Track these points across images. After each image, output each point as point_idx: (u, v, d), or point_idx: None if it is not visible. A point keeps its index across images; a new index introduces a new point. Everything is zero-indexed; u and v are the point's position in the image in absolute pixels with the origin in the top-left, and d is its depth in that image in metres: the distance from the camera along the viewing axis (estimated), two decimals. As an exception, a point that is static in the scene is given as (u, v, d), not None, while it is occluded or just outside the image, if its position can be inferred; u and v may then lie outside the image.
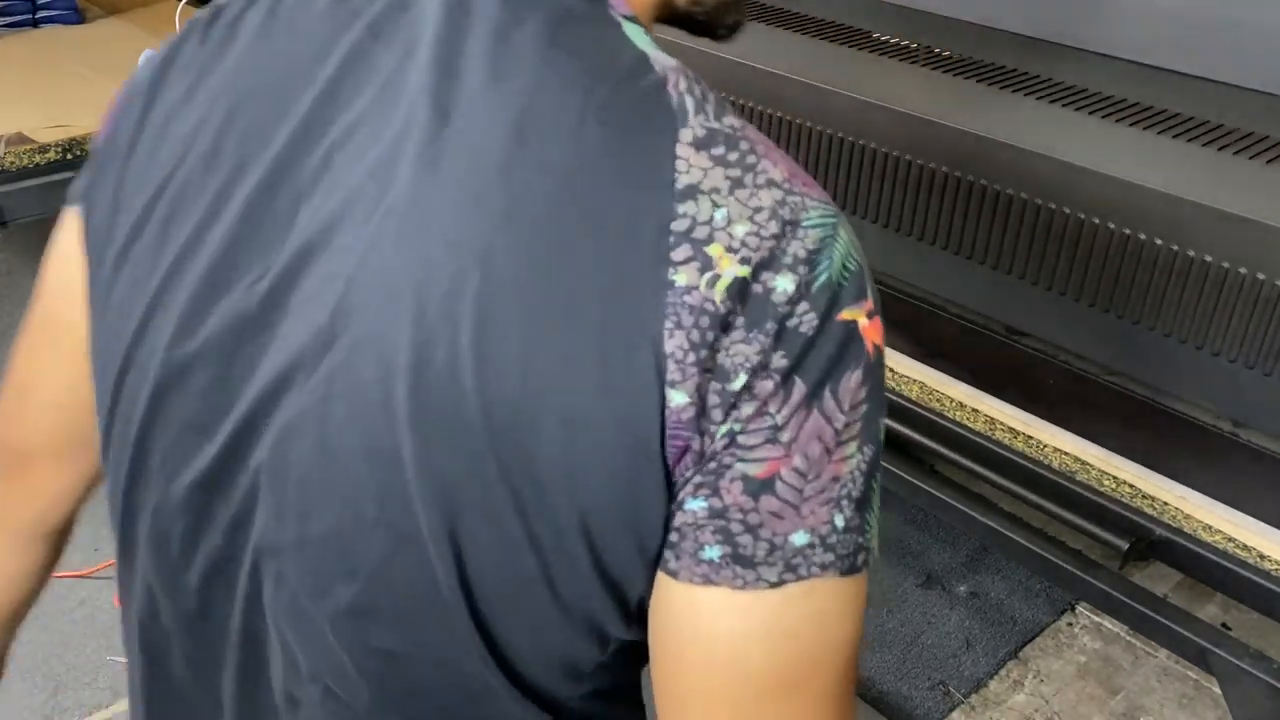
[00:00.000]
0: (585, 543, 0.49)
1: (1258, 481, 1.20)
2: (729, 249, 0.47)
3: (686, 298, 0.47)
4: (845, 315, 0.49)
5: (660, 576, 0.50)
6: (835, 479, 0.51)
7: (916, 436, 1.51)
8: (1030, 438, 1.41)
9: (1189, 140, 1.25)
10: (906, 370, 1.52)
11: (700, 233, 0.47)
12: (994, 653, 2.08)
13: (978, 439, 1.46)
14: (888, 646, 2.08)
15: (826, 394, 0.49)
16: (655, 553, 0.50)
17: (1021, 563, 1.78)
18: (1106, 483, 1.35)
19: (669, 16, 0.62)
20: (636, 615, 0.52)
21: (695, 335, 0.47)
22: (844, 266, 0.50)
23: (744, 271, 0.47)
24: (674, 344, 0.47)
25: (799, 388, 0.48)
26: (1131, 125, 1.29)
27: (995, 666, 2.05)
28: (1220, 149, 1.22)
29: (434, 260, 0.48)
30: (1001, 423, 1.43)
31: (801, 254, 0.48)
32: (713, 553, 0.49)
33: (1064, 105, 1.34)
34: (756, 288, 0.47)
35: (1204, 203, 1.11)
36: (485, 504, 0.49)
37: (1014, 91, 1.39)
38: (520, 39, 0.50)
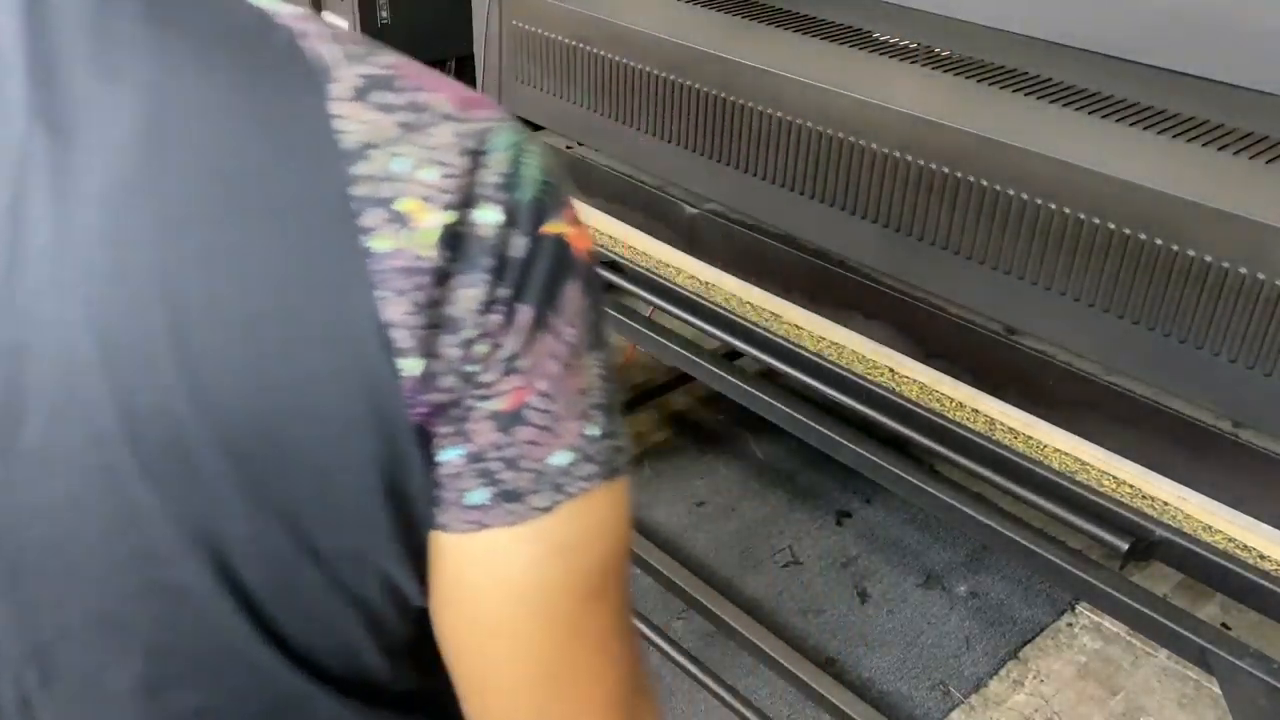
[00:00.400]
0: (360, 534, 0.48)
1: (1258, 481, 1.20)
2: (424, 199, 0.45)
3: (392, 262, 0.44)
4: (552, 229, 0.49)
5: (434, 536, 0.49)
6: (581, 391, 0.50)
7: (916, 436, 1.51)
8: (1030, 438, 1.41)
9: (1189, 140, 1.24)
10: (906, 370, 1.52)
11: (385, 190, 0.45)
12: (994, 653, 2.08)
13: (978, 439, 1.46)
14: (888, 646, 2.08)
15: (552, 312, 0.48)
16: (431, 518, 0.49)
17: (1021, 563, 1.78)
18: (1106, 483, 1.35)
19: None
20: None
21: (417, 296, 0.45)
22: (541, 181, 0.49)
23: (448, 217, 0.45)
24: (395, 312, 0.45)
25: (525, 313, 0.47)
26: (1131, 125, 1.29)
27: (995, 666, 2.05)
28: (1220, 149, 1.22)
29: (107, 300, 0.43)
30: (1001, 423, 1.43)
31: (498, 180, 0.47)
32: (478, 496, 0.48)
33: (1064, 105, 1.34)
34: (463, 229, 0.46)
35: (1204, 203, 1.11)
36: (249, 533, 0.46)
37: (1014, 91, 1.39)
38: (119, 25, 0.44)
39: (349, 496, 0.47)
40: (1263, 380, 1.12)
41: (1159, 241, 1.15)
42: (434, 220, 0.45)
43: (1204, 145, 1.23)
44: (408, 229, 0.45)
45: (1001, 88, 1.40)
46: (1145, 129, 1.28)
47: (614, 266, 1.92)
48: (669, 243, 1.80)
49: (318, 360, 0.44)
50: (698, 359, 1.80)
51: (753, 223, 1.65)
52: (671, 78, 1.61)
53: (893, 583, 2.23)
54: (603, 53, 1.70)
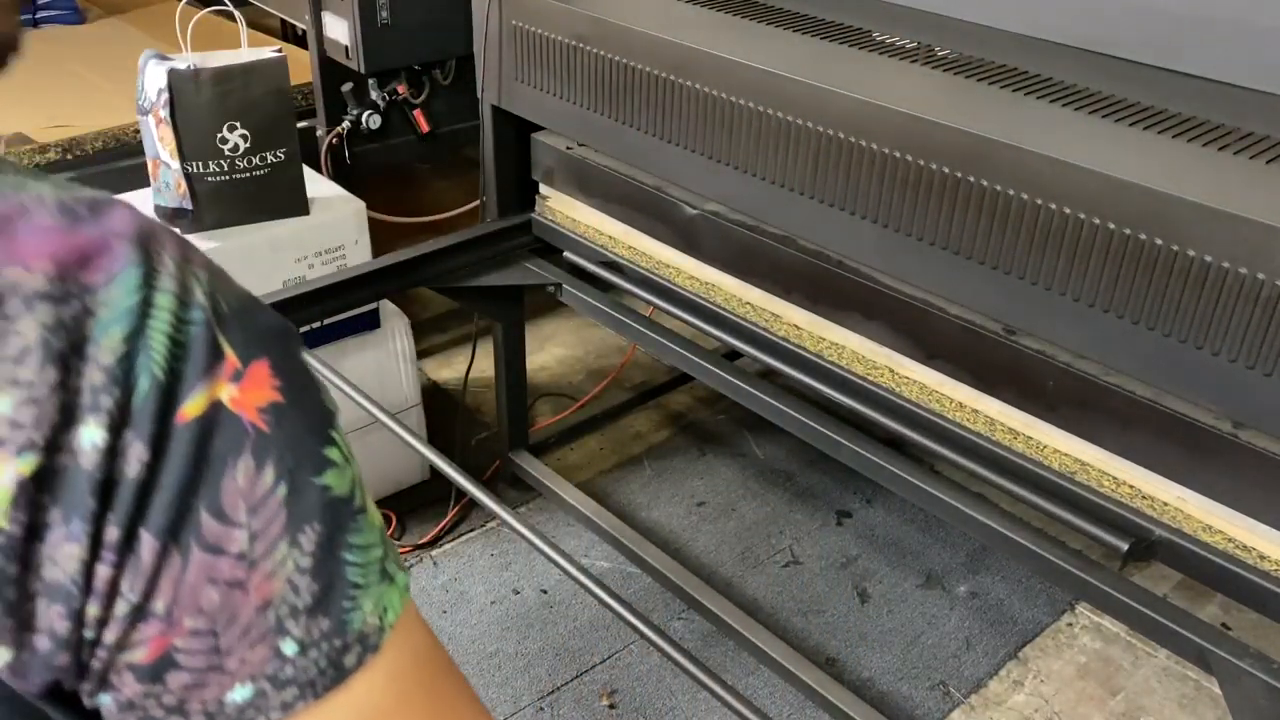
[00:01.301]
0: None
1: (1258, 482, 1.20)
2: None
3: None
4: (193, 411, 0.38)
5: None
6: (265, 605, 0.40)
7: (916, 437, 1.51)
8: (1030, 438, 1.41)
9: (1189, 140, 1.24)
10: (906, 371, 1.52)
11: None
12: (994, 653, 2.08)
13: (978, 439, 1.46)
14: (888, 646, 2.08)
15: (200, 523, 0.38)
16: None
17: (1021, 563, 1.78)
18: (1106, 483, 1.35)
19: None
20: None
21: None
22: (171, 343, 0.38)
23: (27, 465, 0.35)
24: None
25: (148, 544, 0.37)
26: (1131, 125, 1.29)
27: (995, 666, 2.05)
28: (1220, 149, 1.22)
29: None
30: (1001, 423, 1.43)
31: (102, 379, 0.36)
32: None
33: (1064, 105, 1.34)
34: (56, 466, 0.35)
35: (1204, 203, 1.11)
36: None
37: (1014, 91, 1.39)
38: None
39: None
40: (1263, 380, 1.12)
41: (1159, 241, 1.15)
42: (9, 474, 0.34)
43: (1204, 145, 1.23)
44: None
45: (1001, 88, 1.40)
46: (1145, 129, 1.28)
47: (614, 266, 1.92)
48: (669, 243, 1.80)
49: None
50: (698, 359, 1.80)
51: (753, 223, 1.65)
52: (671, 78, 1.61)
53: (893, 583, 2.23)
54: (602, 53, 1.70)
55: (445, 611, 2.12)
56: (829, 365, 1.62)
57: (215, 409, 0.38)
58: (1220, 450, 1.21)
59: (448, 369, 2.81)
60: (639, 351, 2.84)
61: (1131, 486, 1.32)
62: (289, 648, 0.40)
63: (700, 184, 1.67)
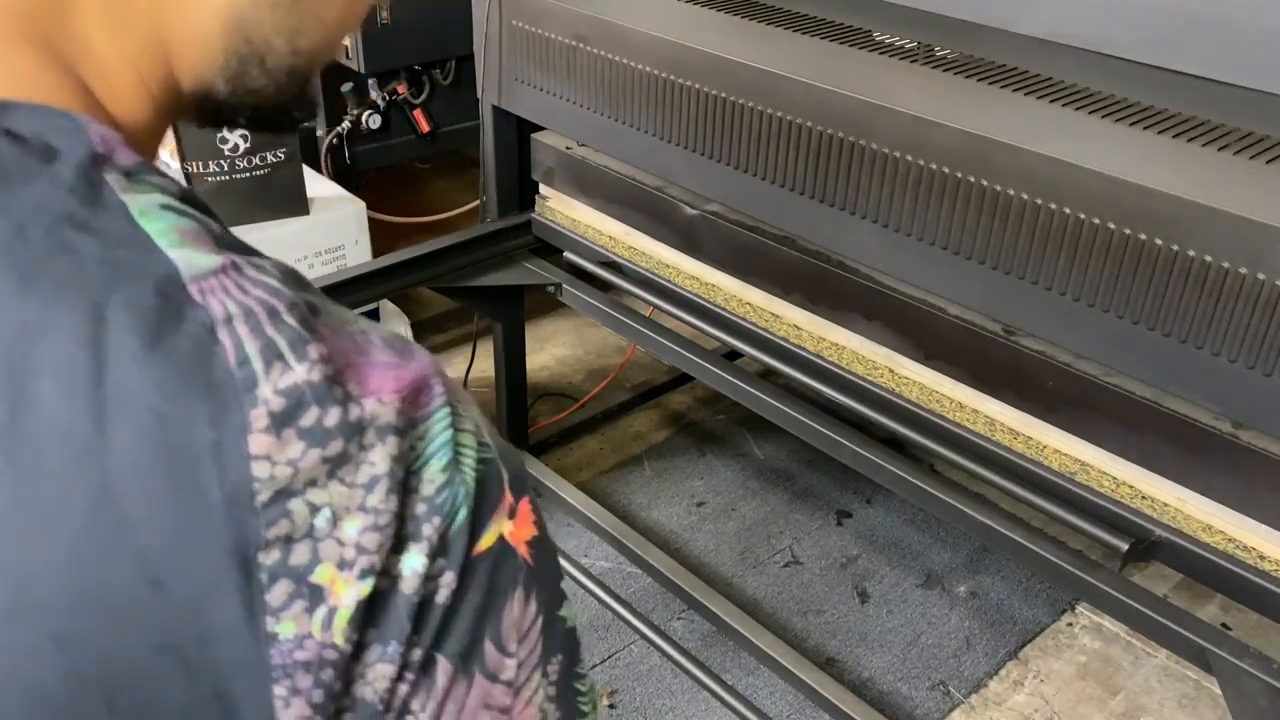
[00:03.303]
0: None
1: (1258, 482, 1.20)
2: (341, 565, 0.36)
3: (298, 654, 0.36)
4: (486, 543, 0.40)
5: None
6: None
7: (916, 437, 1.51)
8: (1030, 438, 1.41)
9: (1189, 140, 1.24)
10: (906, 371, 1.52)
11: (299, 557, 0.35)
12: (994, 653, 2.08)
13: (978, 439, 1.46)
14: (888, 646, 2.08)
15: (485, 651, 0.39)
16: None
17: (1021, 563, 1.78)
18: (1106, 483, 1.35)
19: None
20: None
21: (318, 695, 0.36)
22: (476, 479, 0.40)
23: (366, 588, 0.36)
24: (291, 715, 0.36)
25: (444, 667, 0.38)
26: (1131, 125, 1.29)
27: (995, 666, 2.05)
28: (1220, 149, 1.22)
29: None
30: (1001, 423, 1.43)
31: (427, 506, 0.38)
32: None
33: (1064, 105, 1.34)
34: (383, 590, 0.37)
35: (1204, 203, 1.11)
36: None
37: (1014, 91, 1.39)
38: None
39: None
40: (1263, 380, 1.12)
41: (1159, 241, 1.15)
42: (352, 595, 0.36)
43: (1204, 145, 1.23)
44: (321, 609, 0.36)
45: (1001, 88, 1.40)
46: (1145, 129, 1.28)
47: (614, 266, 1.92)
48: (669, 243, 1.80)
49: None
50: (698, 359, 1.80)
51: (753, 223, 1.65)
52: (671, 78, 1.61)
53: (893, 583, 2.23)
54: (602, 53, 1.70)
55: (445, 611, 2.12)
56: (829, 365, 1.62)
57: (501, 543, 0.40)
58: (1220, 450, 1.21)
59: (448, 369, 2.79)
60: (639, 351, 2.84)
61: (1131, 487, 1.32)
62: None
63: (700, 184, 1.67)
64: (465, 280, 2.01)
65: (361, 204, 2.16)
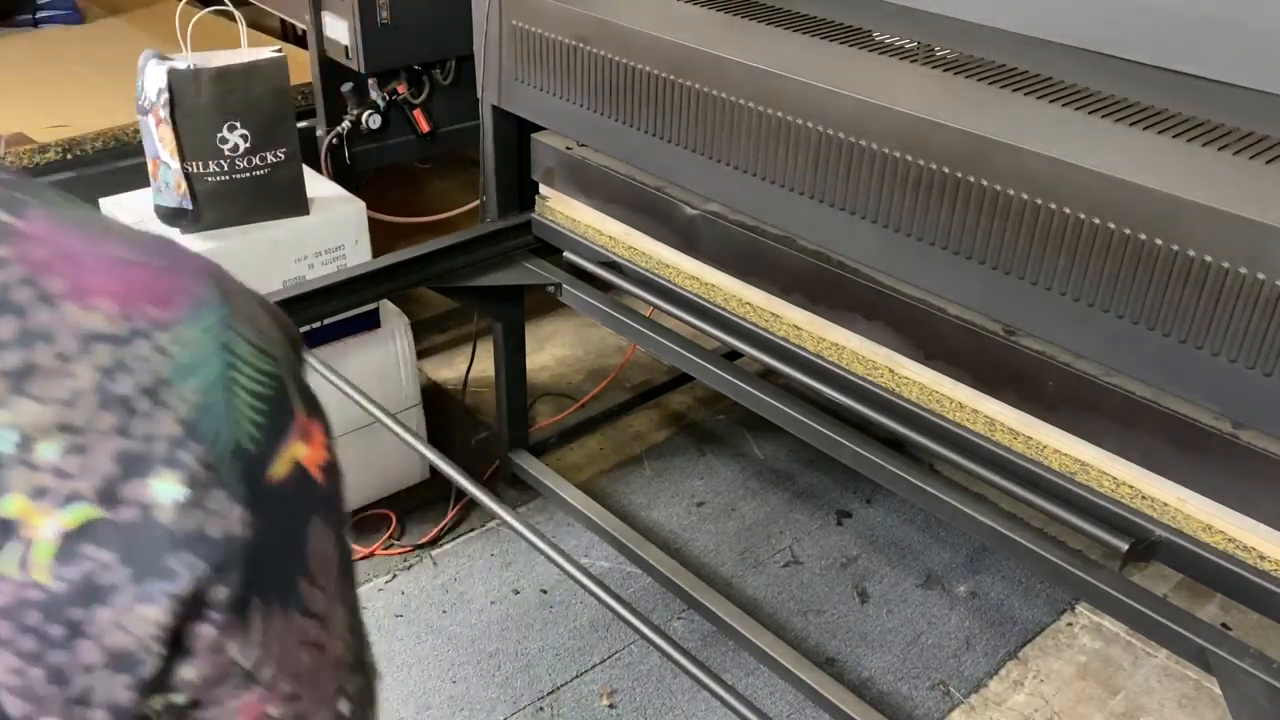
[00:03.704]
0: None
1: (1257, 481, 1.20)
2: (36, 494, 0.32)
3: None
4: (282, 471, 0.36)
5: None
6: (336, 666, 0.40)
7: (916, 437, 1.51)
8: (1030, 438, 1.41)
9: (1189, 140, 1.24)
10: (906, 371, 1.52)
11: None
12: (994, 653, 2.08)
13: (978, 439, 1.46)
14: (888, 646, 2.08)
15: (299, 586, 0.37)
16: None
17: (1021, 563, 1.78)
18: (1106, 483, 1.35)
19: None
20: None
21: (29, 643, 0.32)
22: (250, 402, 0.36)
23: (74, 517, 0.32)
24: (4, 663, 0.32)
25: (258, 607, 0.36)
26: (1131, 125, 1.29)
27: (995, 666, 2.05)
28: (1220, 149, 1.22)
29: None
30: (1001, 423, 1.43)
31: (174, 430, 0.34)
32: None
33: (1064, 105, 1.34)
34: (118, 520, 0.33)
35: (1204, 203, 1.11)
36: None
37: (1014, 91, 1.39)
38: None
39: None
40: (1263, 380, 1.12)
41: (1159, 241, 1.15)
42: (52, 527, 0.32)
43: (1204, 145, 1.23)
44: (14, 543, 0.32)
45: (1001, 88, 1.40)
46: (1145, 129, 1.28)
47: (614, 267, 1.92)
48: (669, 243, 1.80)
49: None
50: (698, 359, 1.80)
51: (753, 223, 1.65)
52: (671, 78, 1.61)
53: (893, 583, 2.23)
54: (602, 53, 1.70)
55: (445, 611, 2.12)
56: (829, 365, 1.62)
57: (299, 469, 0.37)
58: (1220, 450, 1.21)
59: (448, 369, 2.81)
60: (639, 351, 2.84)
61: (1131, 487, 1.32)
62: (344, 706, 0.40)
63: (700, 184, 1.67)
64: (465, 280, 2.01)
65: (361, 204, 2.16)
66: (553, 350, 2.93)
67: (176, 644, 0.34)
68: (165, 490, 0.33)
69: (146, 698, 0.34)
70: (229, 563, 0.34)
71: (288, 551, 0.37)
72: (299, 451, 0.37)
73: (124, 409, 0.33)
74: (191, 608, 0.34)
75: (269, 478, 0.36)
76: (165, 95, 1.87)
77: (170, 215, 1.98)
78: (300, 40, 2.90)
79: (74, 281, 0.34)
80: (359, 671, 0.41)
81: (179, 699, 0.35)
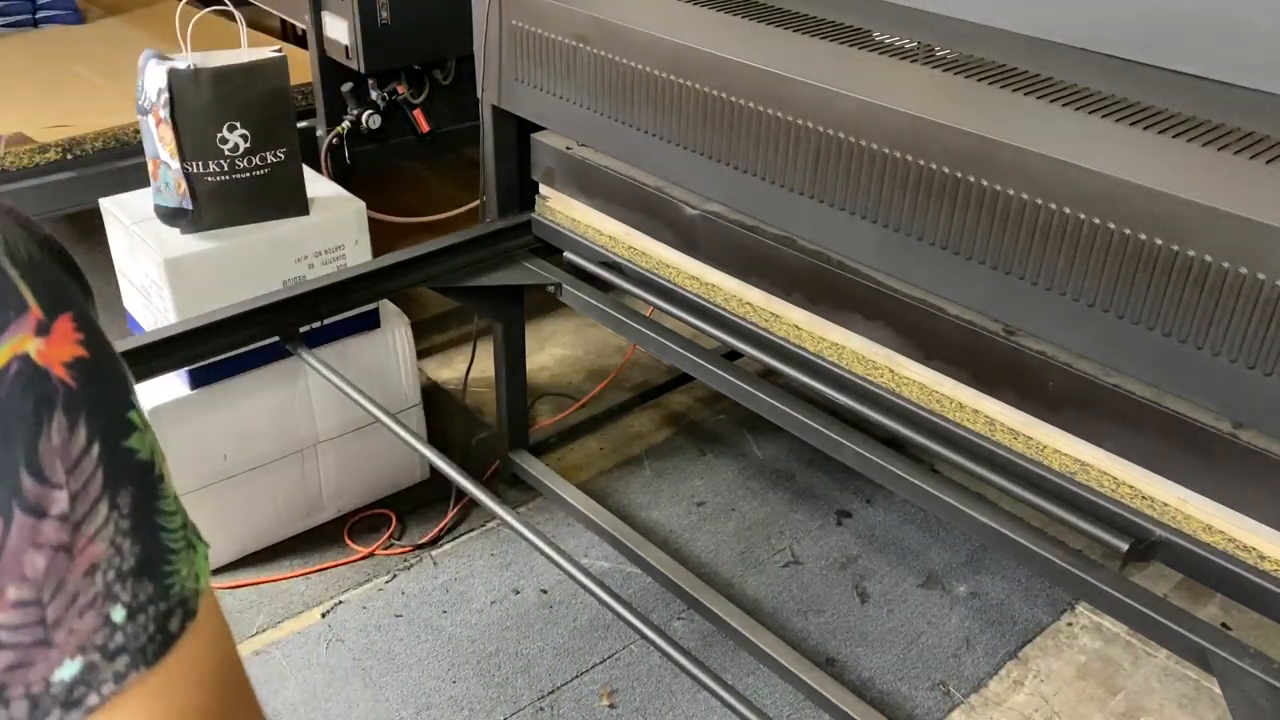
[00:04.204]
0: None
1: (1258, 482, 1.20)
2: None
3: None
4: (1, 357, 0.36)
5: None
6: (91, 569, 0.38)
7: (916, 436, 1.51)
8: (1030, 438, 1.41)
9: (1189, 140, 1.24)
10: (906, 371, 1.52)
11: None
12: (994, 653, 2.08)
13: (978, 439, 1.46)
14: (888, 646, 2.08)
15: (21, 483, 0.36)
16: None
17: (1021, 563, 1.78)
18: (1106, 483, 1.35)
19: None
20: None
21: None
22: None
23: None
24: None
25: None
26: (1131, 125, 1.29)
27: (995, 666, 2.05)
28: (1220, 149, 1.22)
29: None
30: (1001, 423, 1.43)
31: None
32: None
33: (1064, 105, 1.34)
34: None
35: (1204, 203, 1.11)
36: None
37: (1014, 91, 1.39)
38: None
39: None
40: (1263, 380, 1.12)
41: (1159, 241, 1.15)
42: None
43: (1204, 145, 1.23)
44: None
45: (1001, 88, 1.40)
46: (1145, 129, 1.28)
47: (614, 267, 1.92)
48: (669, 243, 1.80)
49: None
50: (698, 359, 1.80)
51: (753, 223, 1.65)
52: (671, 78, 1.61)
53: (893, 583, 2.23)
54: (602, 53, 1.70)
55: (445, 611, 2.12)
56: (829, 365, 1.62)
57: (24, 362, 0.37)
58: (1220, 450, 1.21)
59: (448, 369, 2.81)
60: (639, 351, 2.84)
61: (1131, 487, 1.32)
62: (118, 614, 0.39)
63: (700, 184, 1.67)
64: (465, 280, 2.01)
65: (361, 204, 2.16)
66: (553, 350, 2.93)
67: None
68: None
69: None
70: None
71: (3, 446, 0.36)
72: (28, 345, 0.37)
73: None
74: None
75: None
76: (165, 95, 1.87)
77: (170, 215, 1.98)
78: (300, 40, 2.90)
79: None
80: (146, 578, 0.40)
81: None
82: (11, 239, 0.38)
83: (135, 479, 0.40)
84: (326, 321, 2.11)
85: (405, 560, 2.24)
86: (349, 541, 2.27)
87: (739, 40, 1.60)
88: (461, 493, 2.17)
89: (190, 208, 1.96)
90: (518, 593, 2.17)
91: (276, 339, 1.85)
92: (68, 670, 0.37)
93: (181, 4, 1.98)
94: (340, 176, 2.41)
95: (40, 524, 0.37)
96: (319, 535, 2.29)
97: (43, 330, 0.37)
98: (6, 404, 0.36)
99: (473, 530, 2.32)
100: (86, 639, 0.38)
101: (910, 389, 1.53)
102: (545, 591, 2.17)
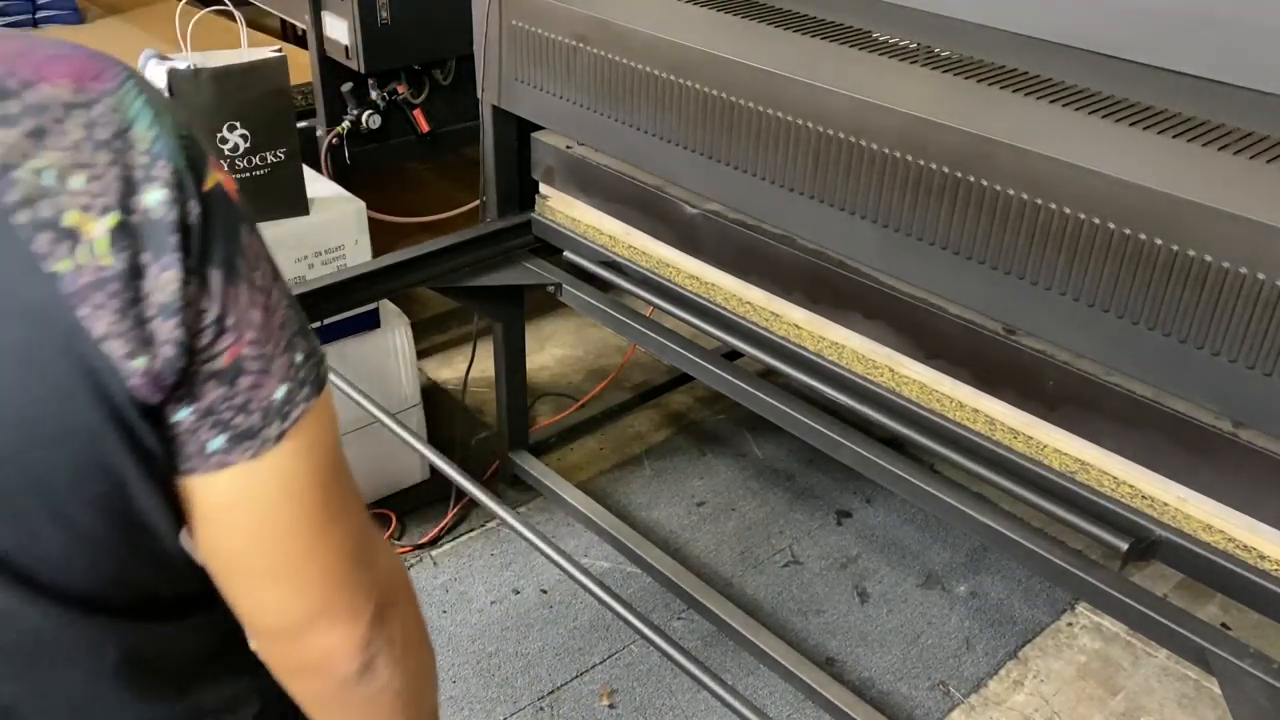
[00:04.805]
0: (104, 486, 0.53)
1: (1258, 481, 1.20)
2: (85, 208, 0.48)
3: (81, 280, 0.48)
4: (210, 183, 0.52)
5: (185, 484, 0.56)
6: (281, 326, 0.57)
7: (916, 436, 1.51)
8: (1030, 438, 1.41)
9: (1189, 140, 1.24)
10: (906, 370, 1.52)
11: (45, 211, 0.47)
12: (994, 653, 2.08)
13: (978, 439, 1.46)
14: (888, 646, 2.08)
15: (239, 264, 0.54)
16: (176, 468, 0.56)
17: (1021, 563, 1.78)
18: (1106, 483, 1.35)
19: None
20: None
21: (114, 304, 0.49)
22: (179, 137, 0.51)
23: (111, 220, 0.48)
24: (101, 325, 0.49)
25: (216, 275, 0.52)
26: (1131, 125, 1.29)
27: (995, 666, 2.05)
28: (1220, 149, 1.22)
29: None
30: (1001, 423, 1.43)
31: (145, 158, 0.50)
32: (217, 443, 0.55)
33: (1064, 105, 1.34)
34: (134, 221, 0.49)
35: (1204, 203, 1.11)
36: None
37: (1014, 91, 1.39)
38: None
39: (89, 464, 0.52)
40: (1263, 380, 1.12)
41: (1159, 241, 1.15)
42: (100, 227, 0.48)
43: (1204, 145, 1.23)
44: (84, 243, 0.48)
45: (1001, 88, 1.40)
46: (1145, 129, 1.28)
47: (614, 266, 1.92)
48: (669, 242, 1.80)
49: (40, 388, 0.49)
50: (698, 359, 1.80)
51: (753, 223, 1.65)
52: (671, 78, 1.61)
53: (893, 583, 2.23)
54: (602, 53, 1.70)
55: (445, 611, 2.12)
56: (829, 365, 1.62)
57: (221, 186, 0.53)
58: (1220, 450, 1.21)
59: (448, 369, 2.81)
60: (639, 351, 2.84)
61: (1131, 486, 1.32)
62: (298, 358, 0.58)
63: (700, 184, 1.67)
64: (465, 280, 2.01)
65: (361, 204, 2.16)
66: (553, 350, 2.93)
67: (188, 300, 0.51)
68: (154, 197, 0.50)
69: (190, 337, 0.52)
70: (194, 242, 0.51)
71: (227, 237, 0.53)
72: (219, 177, 0.53)
73: (109, 149, 0.49)
74: (187, 273, 0.50)
75: (205, 188, 0.52)
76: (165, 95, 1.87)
77: (170, 215, 1.98)
78: (300, 40, 2.90)
79: (37, 71, 0.49)
80: (303, 338, 0.58)
81: (190, 341, 0.52)
82: (184, 118, 0.54)
83: (280, 274, 0.58)
84: (326, 321, 2.11)
85: (405, 560, 2.24)
86: (349, 541, 2.27)
87: (739, 40, 1.60)
88: (461, 493, 2.17)
89: (190, 208, 1.96)
90: (518, 593, 2.17)
91: (276, 339, 1.85)
92: (279, 392, 0.57)
93: (181, 4, 1.98)
94: (340, 176, 2.41)
95: (254, 291, 0.54)
96: (319, 535, 2.28)
97: (220, 169, 0.53)
98: (224, 211, 0.52)
99: (473, 530, 2.33)
100: (286, 372, 0.57)
101: (910, 388, 1.52)
102: (545, 591, 2.17)
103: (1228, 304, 1.12)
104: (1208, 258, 1.12)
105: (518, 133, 2.02)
